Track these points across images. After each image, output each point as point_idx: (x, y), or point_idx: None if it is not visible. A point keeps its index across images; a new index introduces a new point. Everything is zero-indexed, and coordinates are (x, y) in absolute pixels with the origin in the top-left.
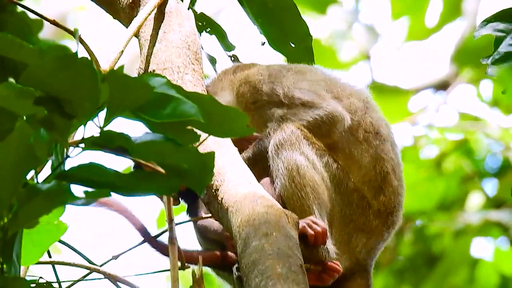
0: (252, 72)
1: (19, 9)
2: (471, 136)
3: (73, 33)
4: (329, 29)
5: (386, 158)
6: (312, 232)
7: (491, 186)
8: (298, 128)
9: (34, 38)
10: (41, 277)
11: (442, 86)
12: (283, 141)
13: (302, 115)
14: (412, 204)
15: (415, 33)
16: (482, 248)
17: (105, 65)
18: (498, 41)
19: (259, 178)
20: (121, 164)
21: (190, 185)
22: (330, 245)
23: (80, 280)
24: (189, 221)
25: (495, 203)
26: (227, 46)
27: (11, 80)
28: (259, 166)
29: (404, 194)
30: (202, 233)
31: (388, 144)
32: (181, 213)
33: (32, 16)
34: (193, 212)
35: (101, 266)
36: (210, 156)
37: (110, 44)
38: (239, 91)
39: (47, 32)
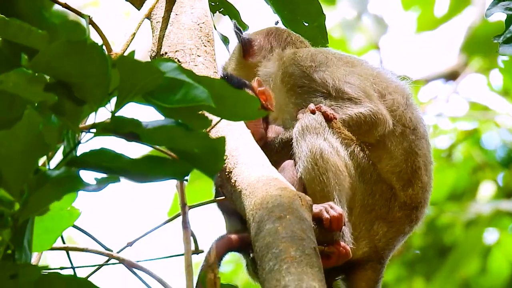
0: (305, 55)
1: None
2: (482, 125)
3: (84, 17)
4: (339, 19)
5: (420, 153)
6: (328, 216)
7: (502, 176)
8: (323, 116)
9: (46, 12)
10: (48, 266)
11: (452, 76)
12: (309, 125)
13: (347, 110)
14: None
15: (425, 24)
16: (494, 238)
17: (117, 48)
18: (509, 20)
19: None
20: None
21: (201, 170)
22: (346, 231)
23: (95, 266)
24: (201, 204)
25: (506, 193)
26: (241, 25)
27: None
28: (285, 151)
29: (431, 192)
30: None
31: (424, 141)
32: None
33: None
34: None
35: (117, 253)
36: (221, 141)
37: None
38: (287, 70)
39: None
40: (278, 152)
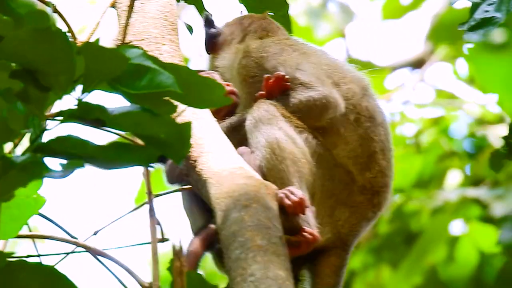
0: (257, 46)
1: None
2: (448, 113)
3: (49, 5)
4: (305, 7)
5: (376, 139)
6: (290, 202)
7: (468, 164)
8: (274, 106)
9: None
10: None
11: (418, 63)
12: (260, 116)
13: (296, 94)
14: None
15: (391, 11)
16: (460, 225)
17: (82, 37)
18: (474, 7)
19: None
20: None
21: (168, 155)
22: (310, 215)
23: (62, 254)
24: (168, 192)
25: (473, 181)
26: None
27: None
28: (239, 135)
29: (393, 178)
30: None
31: (380, 128)
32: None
33: None
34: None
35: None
36: (187, 126)
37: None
38: (241, 62)
39: None
40: (232, 137)
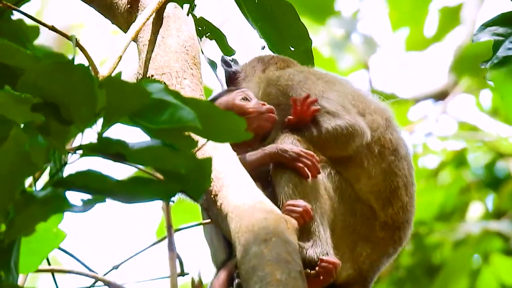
0: (282, 74)
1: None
2: (471, 145)
3: (71, 39)
4: (328, 38)
5: (399, 174)
6: (297, 215)
7: (491, 197)
8: (298, 140)
9: (30, 45)
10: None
11: (442, 95)
12: None
13: (323, 122)
14: None
15: (414, 43)
16: (482, 258)
17: (104, 71)
18: (497, 45)
19: (259, 183)
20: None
21: (188, 191)
22: (331, 253)
23: None
24: (188, 227)
25: (495, 214)
26: (227, 50)
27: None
28: (261, 170)
29: (414, 213)
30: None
31: (404, 162)
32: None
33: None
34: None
35: (103, 275)
36: (208, 161)
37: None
38: (265, 91)
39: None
40: (254, 172)
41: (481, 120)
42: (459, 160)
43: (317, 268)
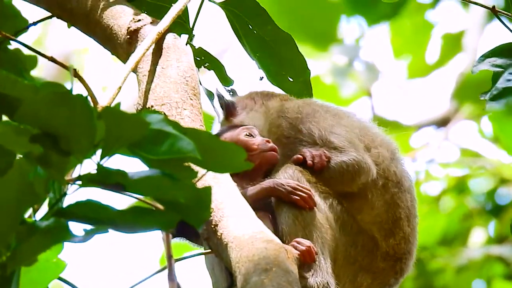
0: (292, 106)
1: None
2: (473, 172)
3: (69, 69)
4: (330, 65)
5: (402, 205)
6: (298, 252)
7: (493, 223)
8: (300, 171)
9: (27, 75)
10: None
11: (443, 122)
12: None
13: (334, 160)
14: None
15: (416, 70)
16: (484, 283)
17: (103, 101)
18: (496, 76)
19: (261, 213)
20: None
21: (188, 220)
22: (331, 282)
23: None
24: (188, 257)
25: (497, 239)
26: (226, 80)
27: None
28: (263, 201)
29: (416, 245)
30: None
31: (407, 195)
32: (184, 252)
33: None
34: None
35: None
36: (207, 190)
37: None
38: (274, 122)
39: (48, 75)
40: (256, 203)
41: (483, 147)
42: (461, 186)
43: None
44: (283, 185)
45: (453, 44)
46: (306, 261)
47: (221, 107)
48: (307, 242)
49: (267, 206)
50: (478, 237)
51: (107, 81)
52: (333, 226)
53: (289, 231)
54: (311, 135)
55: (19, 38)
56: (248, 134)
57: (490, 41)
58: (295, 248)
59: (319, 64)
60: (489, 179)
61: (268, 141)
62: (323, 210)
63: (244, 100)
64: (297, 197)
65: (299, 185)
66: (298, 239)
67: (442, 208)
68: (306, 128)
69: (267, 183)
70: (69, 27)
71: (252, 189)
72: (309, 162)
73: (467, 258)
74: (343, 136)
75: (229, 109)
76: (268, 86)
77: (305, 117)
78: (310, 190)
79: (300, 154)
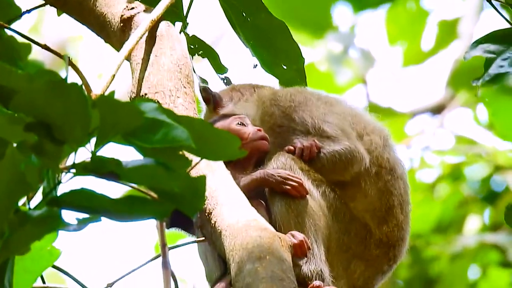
0: (284, 95)
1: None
2: (468, 159)
3: (64, 58)
4: (325, 53)
5: (395, 193)
6: (294, 241)
7: (488, 210)
8: (292, 159)
9: (22, 62)
10: None
11: (439, 109)
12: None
13: (323, 148)
14: None
15: (411, 58)
16: (479, 270)
17: (97, 90)
18: (489, 63)
19: (254, 202)
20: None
21: (182, 209)
22: (325, 270)
23: None
24: (182, 245)
25: (492, 226)
26: (219, 68)
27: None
28: (256, 190)
29: (409, 231)
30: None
31: (400, 182)
32: (178, 240)
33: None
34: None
35: None
36: (202, 179)
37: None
38: (267, 110)
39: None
40: (249, 192)
41: (478, 134)
42: (456, 173)
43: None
44: (274, 175)
45: (448, 31)
46: (297, 255)
47: (205, 100)
48: (300, 236)
49: (261, 194)
50: (473, 224)
51: (103, 68)
52: (326, 214)
53: (282, 219)
54: (304, 124)
55: (13, 26)
56: (240, 123)
57: (485, 28)
58: None
59: (314, 51)
60: (485, 166)
61: (259, 130)
62: (316, 197)
63: (229, 93)
64: (288, 187)
65: (289, 175)
66: (292, 232)
67: (437, 196)
68: (299, 116)
69: (258, 173)
70: (59, 15)
71: (243, 180)
72: (297, 154)
73: (462, 245)
74: (336, 125)
75: (215, 101)
76: (261, 75)
77: (298, 106)
78: (300, 179)
79: (291, 146)
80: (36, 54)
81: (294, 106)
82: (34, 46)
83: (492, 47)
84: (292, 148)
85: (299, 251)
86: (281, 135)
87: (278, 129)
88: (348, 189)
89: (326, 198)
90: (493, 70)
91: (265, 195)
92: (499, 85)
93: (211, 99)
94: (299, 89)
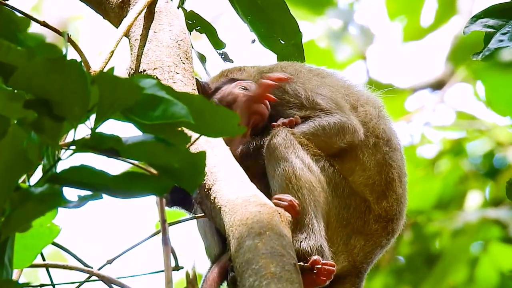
0: (275, 67)
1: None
2: (469, 135)
3: (63, 35)
4: (325, 29)
5: (394, 165)
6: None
7: (489, 185)
8: (292, 134)
9: (21, 35)
10: (30, 283)
11: (439, 85)
12: (277, 145)
13: (315, 120)
14: (410, 204)
15: (411, 33)
16: (481, 246)
17: (96, 66)
18: (488, 37)
19: (251, 174)
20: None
21: (182, 185)
22: (324, 245)
23: (76, 283)
24: (181, 221)
25: (493, 202)
26: (217, 43)
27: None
28: (253, 161)
29: (407, 204)
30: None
31: (398, 153)
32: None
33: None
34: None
35: (97, 270)
36: (202, 155)
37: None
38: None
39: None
40: (246, 162)
41: (479, 109)
42: (457, 149)
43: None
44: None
45: (448, 6)
46: (291, 214)
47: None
48: (287, 197)
49: (261, 170)
50: (474, 200)
51: (102, 47)
52: (326, 189)
53: (282, 193)
54: (298, 96)
55: (14, 4)
56: (243, 87)
57: (484, 3)
58: (277, 205)
59: (314, 28)
60: (485, 141)
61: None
62: (316, 172)
63: (218, 79)
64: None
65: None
66: (278, 195)
67: (438, 171)
68: (292, 88)
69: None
70: None
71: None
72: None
73: (463, 221)
74: (329, 97)
75: (204, 90)
76: (259, 50)
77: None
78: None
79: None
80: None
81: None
82: (34, 24)
83: (491, 21)
84: (285, 121)
85: (292, 211)
86: (274, 108)
87: (271, 102)
88: (346, 163)
89: (325, 173)
90: (493, 44)
91: (264, 172)
92: (495, 61)
93: (200, 90)
94: (289, 62)
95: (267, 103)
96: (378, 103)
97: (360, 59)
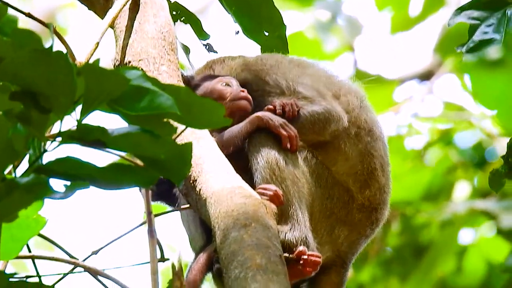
0: (254, 59)
1: None
2: (457, 125)
3: (48, 26)
4: (313, 20)
5: (376, 155)
6: (267, 198)
7: (477, 176)
8: None
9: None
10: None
11: (427, 76)
12: (260, 137)
13: (300, 109)
14: (398, 195)
15: (399, 24)
16: (469, 237)
17: (81, 58)
18: (473, 29)
19: (235, 163)
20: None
21: (168, 177)
22: (309, 236)
23: (61, 274)
24: (167, 212)
25: (481, 193)
26: (202, 34)
27: None
28: (241, 154)
29: (390, 193)
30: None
31: (380, 143)
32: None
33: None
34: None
35: (82, 261)
36: (187, 147)
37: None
38: (240, 77)
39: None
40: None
41: (467, 100)
42: (445, 140)
43: (304, 258)
44: (272, 119)
45: None
46: (276, 205)
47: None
48: (272, 187)
49: (245, 160)
50: (463, 191)
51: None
52: (309, 180)
53: None
54: (279, 86)
55: None
56: (225, 83)
57: None
58: (262, 195)
59: (302, 19)
60: (473, 132)
61: (243, 91)
62: (299, 163)
63: (202, 70)
64: (284, 132)
65: (287, 124)
66: (262, 185)
67: (426, 162)
68: (272, 79)
69: (256, 113)
70: None
71: (237, 126)
72: (278, 111)
73: (451, 212)
74: (311, 86)
75: (188, 85)
76: (244, 42)
77: (270, 69)
78: (295, 132)
79: (271, 105)
80: (23, 24)
81: (266, 69)
82: (20, 15)
83: (476, 13)
84: (271, 107)
85: (277, 201)
86: (255, 99)
87: (254, 93)
88: (329, 153)
89: (308, 163)
90: (478, 36)
91: (247, 163)
92: (479, 55)
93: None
94: (269, 54)
95: (250, 97)
96: (360, 93)
97: (348, 50)
